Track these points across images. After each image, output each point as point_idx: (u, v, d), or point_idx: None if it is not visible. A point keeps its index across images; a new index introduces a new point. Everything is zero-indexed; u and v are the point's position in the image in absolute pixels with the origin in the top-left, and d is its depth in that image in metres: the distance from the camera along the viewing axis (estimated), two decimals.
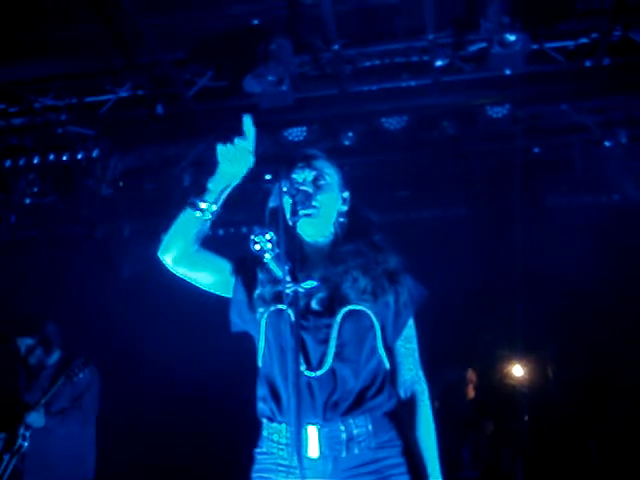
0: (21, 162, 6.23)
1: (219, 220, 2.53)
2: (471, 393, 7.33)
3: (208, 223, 2.50)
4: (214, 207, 2.47)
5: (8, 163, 6.27)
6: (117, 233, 7.64)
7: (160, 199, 7.28)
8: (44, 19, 5.11)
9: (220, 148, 2.41)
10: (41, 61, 5.65)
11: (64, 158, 6.21)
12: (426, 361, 2.64)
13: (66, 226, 7.51)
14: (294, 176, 2.57)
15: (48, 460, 5.10)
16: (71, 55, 5.59)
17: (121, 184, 7.09)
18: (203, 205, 2.46)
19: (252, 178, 7.09)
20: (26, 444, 5.07)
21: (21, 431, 5.07)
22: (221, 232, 7.39)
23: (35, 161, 6.22)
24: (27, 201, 7.03)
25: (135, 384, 6.88)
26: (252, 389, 2.58)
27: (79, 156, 6.20)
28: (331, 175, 2.62)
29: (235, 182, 2.50)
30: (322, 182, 2.59)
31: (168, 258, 2.55)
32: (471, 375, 7.34)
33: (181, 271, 2.59)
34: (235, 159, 2.42)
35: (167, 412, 6.92)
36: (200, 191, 2.48)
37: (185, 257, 2.54)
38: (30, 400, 5.22)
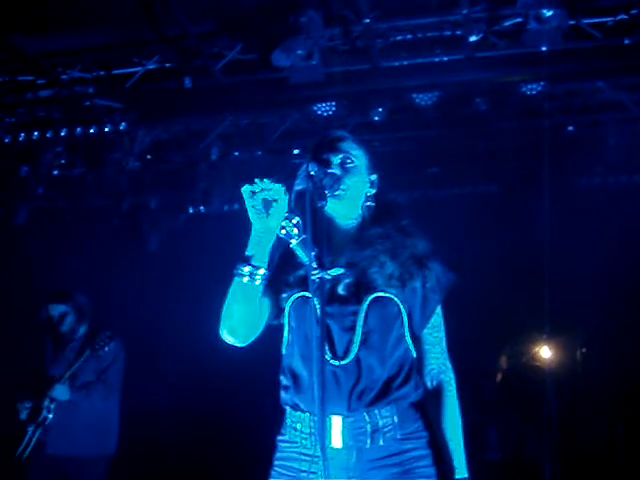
0: (48, 134, 6.23)
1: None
2: (498, 377, 7.28)
3: (260, 288, 2.39)
4: (261, 270, 2.37)
5: (36, 135, 6.26)
6: (143, 206, 7.63)
7: (187, 172, 7.27)
8: None
9: (250, 199, 2.29)
10: (69, 33, 5.61)
11: (91, 131, 6.19)
12: (454, 342, 2.58)
13: (93, 198, 7.51)
14: (320, 158, 2.50)
15: (71, 433, 5.13)
16: (99, 27, 5.54)
17: (148, 157, 7.08)
18: (247, 269, 2.35)
19: (280, 152, 7.06)
20: (50, 416, 5.10)
21: (46, 403, 5.10)
22: None
23: (62, 133, 6.21)
24: (54, 173, 7.03)
25: (159, 359, 6.90)
26: (277, 373, 2.54)
27: (106, 129, 6.18)
28: (358, 157, 2.55)
29: (272, 239, 2.38)
30: (349, 165, 2.51)
31: (236, 340, 2.48)
32: (503, 362, 7.28)
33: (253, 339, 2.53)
34: (266, 208, 2.30)
35: (191, 389, 6.94)
36: (242, 258, 2.38)
37: (252, 329, 2.48)
38: (55, 373, 5.24)
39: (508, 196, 7.22)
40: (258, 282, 2.37)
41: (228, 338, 2.47)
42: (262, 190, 2.28)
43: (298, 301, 2.43)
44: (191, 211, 7.86)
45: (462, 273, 2.57)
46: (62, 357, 5.35)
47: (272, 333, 2.58)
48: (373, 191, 2.57)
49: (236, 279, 2.38)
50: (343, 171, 2.48)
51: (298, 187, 2.52)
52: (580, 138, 6.75)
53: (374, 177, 2.59)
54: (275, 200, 2.30)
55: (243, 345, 2.51)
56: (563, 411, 6.22)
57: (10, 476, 5.15)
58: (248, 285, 2.37)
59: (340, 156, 2.52)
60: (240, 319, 2.42)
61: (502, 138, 6.71)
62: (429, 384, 2.52)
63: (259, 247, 2.37)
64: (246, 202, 2.31)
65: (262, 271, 2.37)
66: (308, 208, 2.25)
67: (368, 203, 2.55)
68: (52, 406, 5.11)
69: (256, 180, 2.29)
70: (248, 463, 4.45)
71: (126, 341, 5.47)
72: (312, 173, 2.33)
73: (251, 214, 2.33)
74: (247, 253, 2.38)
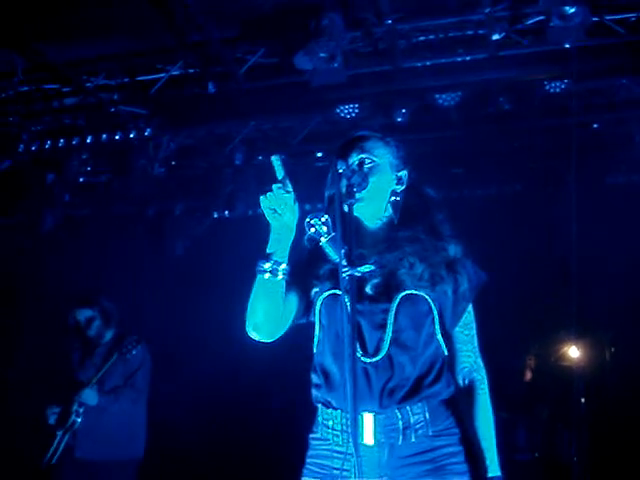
0: (74, 141, 6.29)
1: None
2: (527, 376, 7.23)
3: (282, 283, 2.40)
4: (282, 265, 2.39)
5: (61, 142, 6.32)
6: (169, 212, 7.68)
7: (211, 178, 7.30)
8: None
9: (263, 201, 2.34)
10: (93, 41, 5.66)
11: (117, 137, 6.25)
12: (482, 342, 2.57)
13: (119, 205, 7.57)
14: (343, 159, 2.49)
15: (99, 437, 5.14)
16: (122, 34, 5.58)
17: (173, 163, 7.11)
18: (267, 265, 2.37)
19: (304, 155, 7.07)
20: (79, 420, 5.13)
21: (74, 408, 5.13)
22: None
23: (88, 140, 6.28)
24: (80, 180, 7.10)
25: (185, 363, 6.92)
26: (308, 372, 2.55)
27: (131, 135, 6.23)
28: (380, 155, 2.54)
29: (291, 235, 2.41)
30: (368, 165, 2.51)
31: (262, 337, 2.49)
32: (530, 361, 7.24)
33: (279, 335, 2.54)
34: (279, 208, 2.34)
35: (219, 392, 6.94)
36: (263, 255, 2.41)
37: (277, 326, 2.48)
38: (83, 377, 5.27)
39: (533, 195, 7.18)
40: (280, 277, 2.39)
41: (254, 335, 2.49)
42: (274, 193, 2.34)
43: (329, 299, 2.43)
44: (216, 216, 7.90)
45: (489, 273, 2.56)
46: (90, 362, 5.38)
47: (300, 332, 2.58)
48: (401, 187, 2.57)
49: (258, 276, 2.40)
50: (364, 171, 2.48)
51: (329, 188, 2.54)
52: (605, 136, 6.69)
53: (402, 173, 2.58)
54: (284, 199, 2.34)
55: (269, 341, 2.52)
56: (592, 411, 6.16)
57: None
58: (270, 281, 2.38)
59: (359, 157, 2.52)
60: (264, 315, 2.43)
61: (526, 137, 6.67)
62: (461, 382, 2.51)
63: (279, 244, 2.40)
64: (262, 205, 2.35)
65: (283, 266, 2.39)
66: (337, 205, 2.27)
67: (396, 200, 2.54)
68: (81, 410, 5.14)
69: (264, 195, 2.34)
70: (280, 461, 4.47)
71: (152, 345, 5.49)
72: (340, 171, 2.34)
73: (267, 214, 2.36)
74: (268, 250, 2.41)
